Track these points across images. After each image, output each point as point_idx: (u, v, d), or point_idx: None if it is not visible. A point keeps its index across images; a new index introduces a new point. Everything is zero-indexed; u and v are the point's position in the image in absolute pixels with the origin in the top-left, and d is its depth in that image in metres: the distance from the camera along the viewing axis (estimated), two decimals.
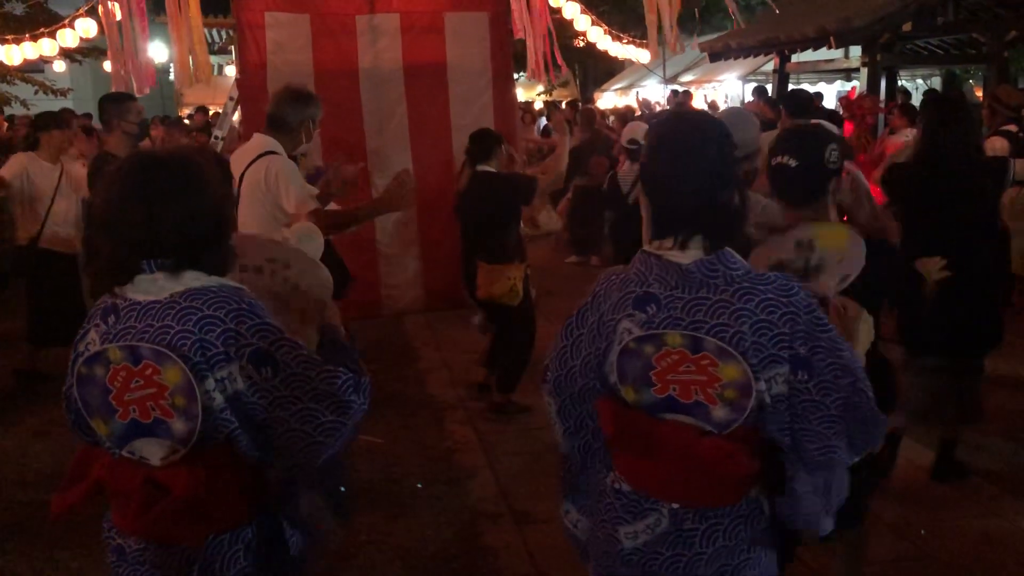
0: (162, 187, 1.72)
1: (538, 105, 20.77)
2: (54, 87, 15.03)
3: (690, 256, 1.73)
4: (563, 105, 15.05)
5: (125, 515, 1.80)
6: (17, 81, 14.68)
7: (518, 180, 5.18)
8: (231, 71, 15.05)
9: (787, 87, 12.41)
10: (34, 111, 14.54)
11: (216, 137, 7.09)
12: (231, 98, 7.09)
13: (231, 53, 16.25)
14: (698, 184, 1.73)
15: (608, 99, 21.28)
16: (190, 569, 1.78)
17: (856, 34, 9.98)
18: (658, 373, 1.74)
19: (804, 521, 1.85)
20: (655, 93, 17.76)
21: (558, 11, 9.62)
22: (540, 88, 21.79)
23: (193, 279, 1.74)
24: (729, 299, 1.69)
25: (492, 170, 5.05)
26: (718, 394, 1.71)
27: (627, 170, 6.04)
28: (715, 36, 13.76)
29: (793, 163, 2.42)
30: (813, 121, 4.09)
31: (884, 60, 10.98)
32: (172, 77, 7.89)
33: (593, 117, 10.72)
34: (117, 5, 6.37)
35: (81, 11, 9.32)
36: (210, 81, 7.61)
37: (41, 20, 12.19)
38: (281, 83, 6.40)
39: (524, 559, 3.56)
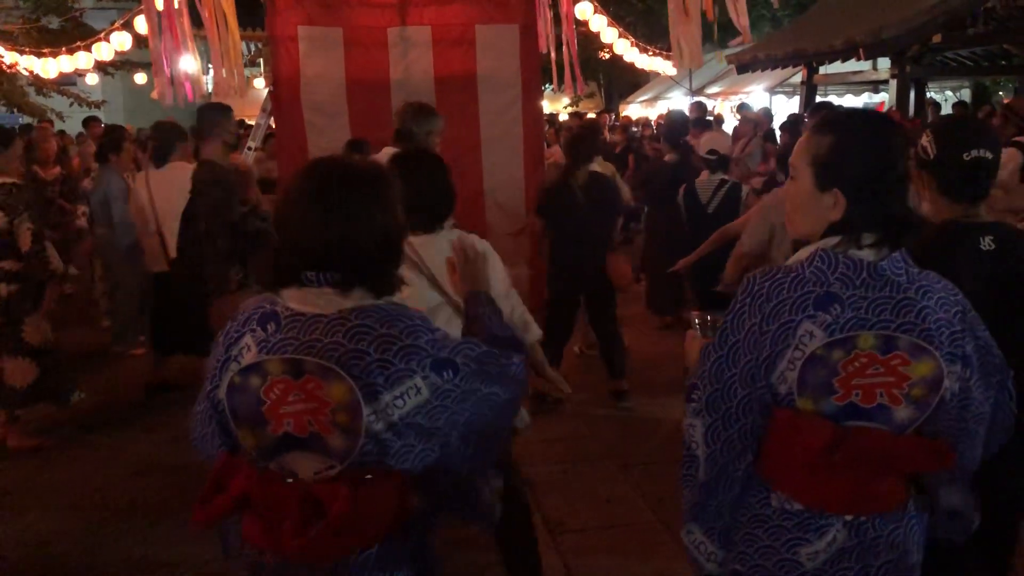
0: (349, 200, 1.70)
1: (563, 117, 20.82)
2: (88, 99, 15.26)
3: (880, 254, 1.71)
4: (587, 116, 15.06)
5: (272, 531, 1.72)
6: (52, 94, 14.94)
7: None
8: (259, 83, 15.23)
9: (814, 99, 12.38)
10: (68, 123, 14.79)
11: (250, 149, 7.17)
12: (264, 110, 7.17)
13: (259, 65, 16.46)
14: (902, 187, 1.73)
15: (633, 111, 21.31)
16: None
17: (885, 45, 9.94)
18: (842, 380, 1.68)
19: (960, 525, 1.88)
20: (680, 104, 17.77)
21: (584, 24, 9.69)
22: (566, 100, 21.85)
23: (361, 297, 1.71)
24: (914, 297, 1.68)
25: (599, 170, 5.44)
26: (904, 394, 1.69)
27: (705, 180, 6.01)
28: (742, 48, 13.77)
29: (989, 155, 2.29)
30: None
31: (913, 72, 10.94)
32: (210, 89, 7.97)
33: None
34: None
35: (116, 25, 9.53)
36: (244, 94, 7.71)
37: (76, 34, 12.40)
38: (313, 95, 6.57)
39: (559, 569, 3.56)
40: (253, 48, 16.69)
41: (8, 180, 4.67)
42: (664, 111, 17.30)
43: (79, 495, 4.38)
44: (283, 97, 6.65)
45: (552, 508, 4.07)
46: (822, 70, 12.65)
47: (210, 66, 7.02)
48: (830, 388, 1.69)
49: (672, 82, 18.26)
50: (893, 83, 10.80)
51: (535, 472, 4.46)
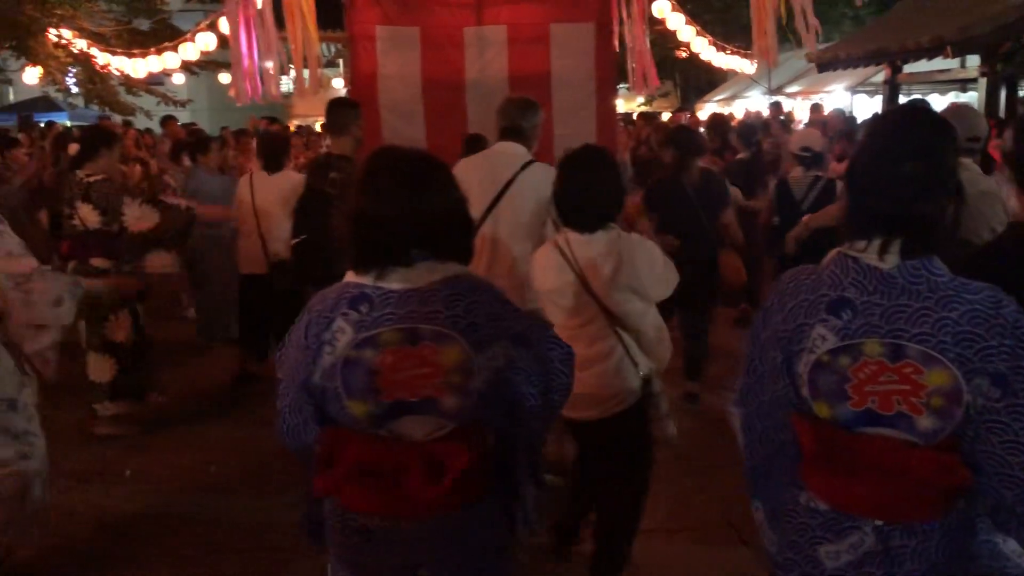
0: (431, 182, 1.87)
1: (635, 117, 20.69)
2: (174, 98, 15.77)
3: (890, 261, 1.65)
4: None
5: (388, 493, 1.86)
6: (141, 93, 15.48)
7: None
8: (338, 83, 15.53)
9: (898, 98, 12.05)
10: (155, 121, 15.31)
11: (327, 147, 7.31)
12: None
13: (339, 66, 16.78)
14: (904, 189, 1.64)
15: (709, 110, 21.03)
16: (444, 542, 1.89)
17: (975, 43, 9.63)
18: (855, 386, 1.66)
19: None
20: (759, 104, 17.47)
21: (661, 22, 9.60)
22: (640, 99, 21.70)
23: (446, 268, 1.87)
24: (932, 307, 1.61)
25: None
26: (924, 402, 1.63)
27: (800, 176, 5.93)
28: (823, 46, 13.48)
29: None
30: None
31: (1004, 70, 10.54)
32: (290, 88, 8.16)
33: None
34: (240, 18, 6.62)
35: (202, 25, 9.81)
36: (318, 93, 7.87)
37: (164, 35, 12.82)
38: (390, 94, 6.66)
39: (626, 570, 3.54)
40: (333, 49, 17.03)
41: (102, 177, 4.85)
42: (742, 110, 17.06)
43: (164, 476, 4.56)
44: (360, 96, 6.76)
45: None
46: (906, 68, 12.30)
47: (290, 66, 7.17)
48: (844, 394, 1.67)
49: (751, 81, 17.95)
50: (982, 81, 10.46)
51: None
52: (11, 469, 3.02)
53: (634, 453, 3.16)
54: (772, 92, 17.81)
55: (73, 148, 5.33)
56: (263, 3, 6.70)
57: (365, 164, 1.96)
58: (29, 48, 13.69)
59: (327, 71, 20.43)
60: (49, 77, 14.38)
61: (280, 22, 6.87)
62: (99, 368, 4.95)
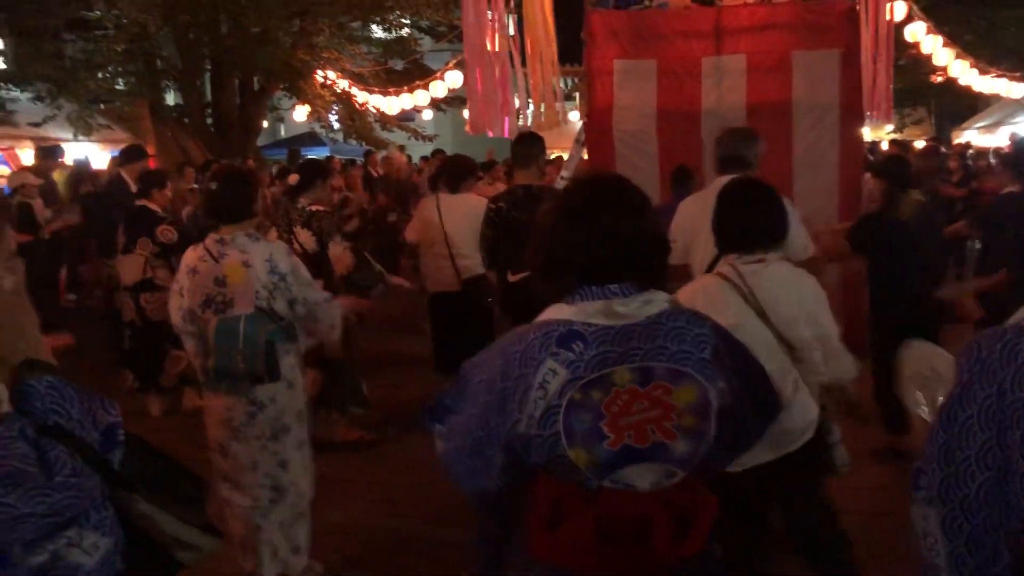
0: (646, 207, 1.78)
1: (884, 146, 19.53)
2: (423, 133, 16.82)
3: None
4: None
5: (635, 555, 1.67)
6: (394, 129, 16.67)
7: None
8: (574, 116, 15.90)
9: None
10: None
11: (563, 178, 7.51)
12: (577, 141, 7.50)
13: (575, 99, 17.18)
14: None
15: (968, 138, 19.44)
16: None
17: None
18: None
19: None
20: None
21: (914, 46, 9.06)
22: (889, 127, 20.48)
23: (661, 300, 1.74)
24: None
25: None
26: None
27: None
28: None
29: None
30: None
31: None
32: (529, 122, 8.48)
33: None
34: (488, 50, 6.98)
35: (450, 64, 10.48)
36: (557, 127, 8.10)
37: (416, 74, 13.75)
38: (624, 125, 6.77)
39: None
40: (571, 83, 17.47)
41: (318, 208, 5.22)
42: (1006, 138, 15.63)
43: (393, 489, 4.81)
44: (595, 128, 6.93)
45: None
46: None
47: (529, 100, 7.47)
48: None
49: (1018, 106, 16.44)
50: None
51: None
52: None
53: (809, 488, 3.05)
54: None
55: (293, 178, 5.78)
56: (500, 42, 7.03)
57: (573, 194, 1.83)
58: (299, 88, 15.17)
59: (566, 104, 21.06)
60: (315, 115, 15.83)
61: (521, 58, 7.19)
62: (309, 382, 5.12)
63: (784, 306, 2.78)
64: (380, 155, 13.31)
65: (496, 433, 1.71)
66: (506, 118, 7.30)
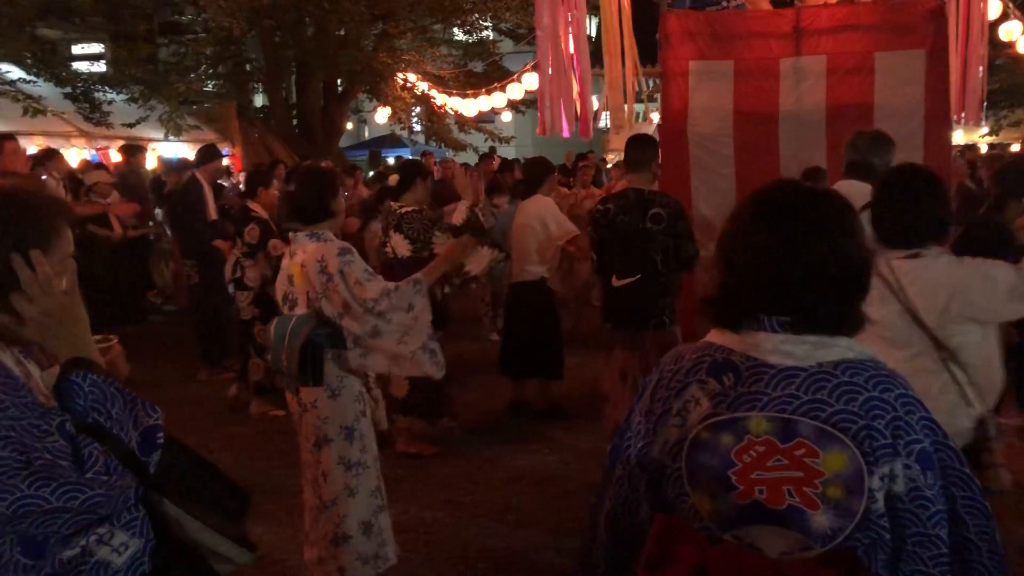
0: (847, 225, 1.52)
1: (983, 149, 18.77)
2: (500, 135, 16.92)
3: None
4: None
5: None
6: (472, 130, 16.82)
7: None
8: (655, 117, 15.74)
9: None
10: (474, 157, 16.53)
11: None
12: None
13: (656, 100, 16.99)
14: None
15: None
16: None
17: None
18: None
19: None
20: None
21: (1010, 45, 8.69)
22: (984, 130, 19.67)
23: (847, 347, 1.49)
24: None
25: None
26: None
27: None
28: None
29: None
30: None
31: None
32: (607, 124, 8.46)
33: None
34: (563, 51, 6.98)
35: (528, 67, 10.50)
36: (634, 127, 8.05)
37: (496, 76, 13.83)
38: (700, 127, 6.66)
39: None
40: (652, 83, 17.32)
41: (408, 209, 5.17)
42: None
43: (456, 491, 4.82)
44: (670, 129, 6.84)
45: None
46: None
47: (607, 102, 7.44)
48: None
49: None
50: None
51: None
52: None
53: None
54: None
55: (393, 179, 5.82)
56: (576, 44, 7.02)
57: (754, 201, 1.58)
58: (381, 91, 15.44)
59: (649, 104, 20.86)
60: (396, 117, 16.10)
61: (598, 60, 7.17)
62: (398, 384, 5.22)
63: (933, 301, 2.64)
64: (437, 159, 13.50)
65: (641, 455, 1.61)
66: (583, 120, 7.28)
